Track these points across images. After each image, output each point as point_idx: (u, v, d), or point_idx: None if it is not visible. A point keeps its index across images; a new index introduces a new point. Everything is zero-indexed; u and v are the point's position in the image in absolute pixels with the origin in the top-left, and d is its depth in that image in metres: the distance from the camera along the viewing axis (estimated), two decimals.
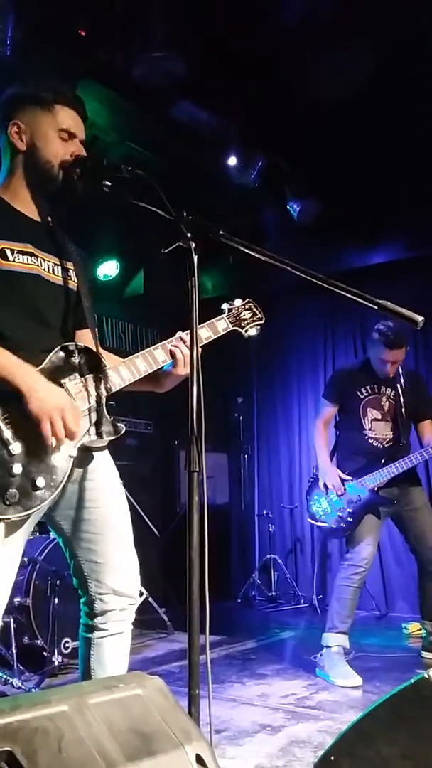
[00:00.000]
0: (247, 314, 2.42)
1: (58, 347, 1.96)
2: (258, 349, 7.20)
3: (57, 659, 3.67)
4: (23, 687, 3.37)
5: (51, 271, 2.03)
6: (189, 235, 1.79)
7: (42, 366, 1.90)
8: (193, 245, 1.78)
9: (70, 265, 2.11)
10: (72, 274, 2.11)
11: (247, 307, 2.43)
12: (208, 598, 1.66)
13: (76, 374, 1.97)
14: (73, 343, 2.01)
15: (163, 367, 2.17)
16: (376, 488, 3.97)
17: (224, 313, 2.38)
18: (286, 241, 6.27)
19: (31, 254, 1.97)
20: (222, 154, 5.45)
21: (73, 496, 2.00)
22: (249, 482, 7.50)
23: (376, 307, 1.82)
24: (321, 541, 6.71)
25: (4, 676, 3.44)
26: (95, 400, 1.99)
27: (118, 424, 2.05)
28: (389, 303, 1.82)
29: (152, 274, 6.76)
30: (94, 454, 2.03)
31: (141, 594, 4.84)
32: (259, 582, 6.89)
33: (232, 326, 2.37)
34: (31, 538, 3.86)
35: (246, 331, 2.42)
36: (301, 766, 2.59)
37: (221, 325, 2.34)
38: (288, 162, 5.68)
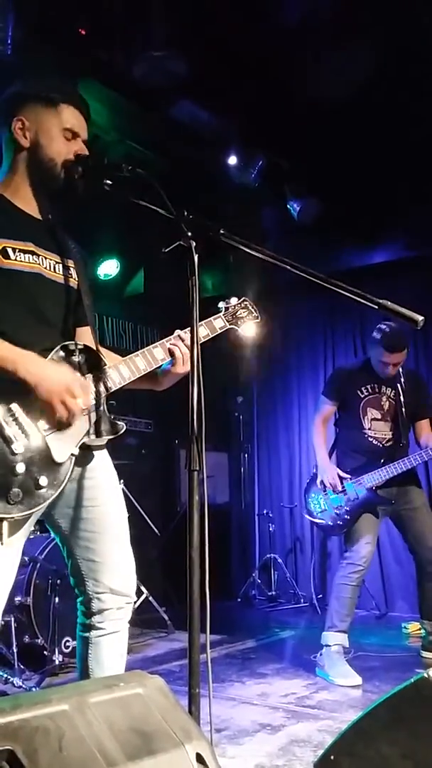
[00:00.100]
0: (243, 312, 2.43)
1: (59, 347, 1.96)
2: (258, 348, 7.21)
3: (57, 658, 3.68)
4: (24, 686, 3.38)
5: (52, 269, 2.03)
6: (189, 234, 1.80)
7: None
8: (194, 244, 1.78)
9: (70, 263, 2.11)
10: (73, 272, 2.11)
11: (243, 305, 2.44)
12: (208, 597, 1.67)
13: (77, 373, 1.98)
14: (74, 342, 2.01)
15: (162, 365, 2.18)
16: (374, 487, 3.98)
17: (221, 311, 2.39)
18: (286, 241, 6.27)
19: (32, 253, 1.97)
20: (222, 154, 5.46)
21: (71, 495, 2.00)
22: (249, 481, 7.51)
23: (376, 307, 1.82)
24: (321, 540, 6.72)
25: (5, 675, 3.44)
26: (96, 399, 1.99)
27: (119, 423, 2.05)
28: (389, 302, 1.82)
29: (152, 273, 6.76)
30: (94, 452, 2.03)
31: (141, 593, 4.90)
32: (259, 581, 6.90)
33: (229, 324, 2.39)
34: (32, 537, 3.86)
35: (242, 329, 2.43)
36: (301, 766, 2.59)
37: (218, 323, 2.35)
38: (288, 161, 5.68)
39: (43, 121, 2.00)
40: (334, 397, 4.27)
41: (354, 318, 6.77)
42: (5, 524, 1.78)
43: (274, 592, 6.83)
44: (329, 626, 3.93)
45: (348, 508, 4.01)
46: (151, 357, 2.14)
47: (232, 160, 5.49)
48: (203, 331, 2.28)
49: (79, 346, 2.01)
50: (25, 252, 1.95)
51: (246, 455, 7.53)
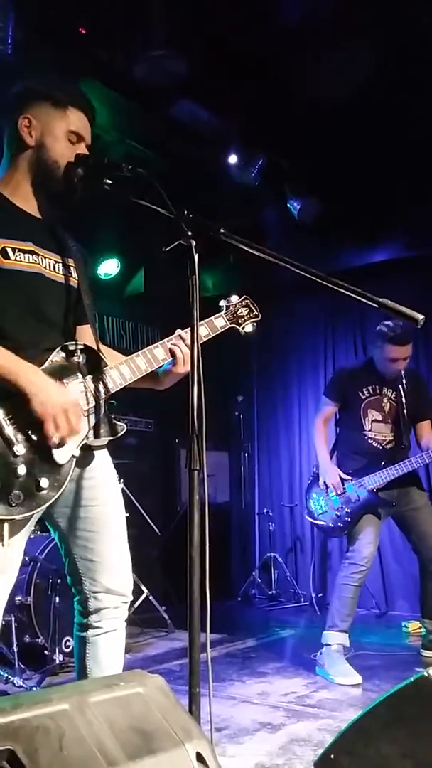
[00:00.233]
0: (244, 311, 2.43)
1: (60, 347, 1.96)
2: (258, 347, 7.21)
3: (58, 658, 3.68)
4: (24, 685, 3.38)
5: (52, 268, 2.03)
6: (189, 233, 1.79)
7: (44, 366, 1.90)
8: (194, 244, 1.78)
9: (71, 262, 2.10)
10: (73, 271, 2.10)
11: (244, 303, 2.44)
12: (208, 596, 1.67)
13: (78, 374, 1.98)
14: (74, 342, 2.01)
15: (163, 365, 2.18)
16: (375, 489, 3.97)
17: (222, 310, 2.39)
18: (286, 240, 6.27)
19: (32, 252, 1.97)
20: (222, 153, 5.45)
21: (70, 495, 2.00)
22: (249, 481, 7.51)
23: (376, 306, 1.83)
24: (321, 539, 6.72)
25: (6, 675, 3.44)
26: (96, 399, 1.99)
27: (119, 424, 2.05)
28: (389, 301, 1.82)
29: (153, 272, 6.76)
30: (95, 453, 2.03)
31: (141, 592, 4.90)
32: (259, 580, 6.90)
33: (230, 323, 2.38)
34: (32, 536, 3.85)
35: (243, 328, 2.42)
36: (302, 765, 2.60)
37: (219, 322, 2.35)
38: (288, 161, 5.67)
39: (50, 122, 1.99)
40: (336, 398, 4.26)
41: (354, 317, 6.77)
42: (6, 525, 1.78)
43: (274, 591, 6.84)
44: (330, 625, 3.93)
45: (349, 510, 4.01)
46: (152, 357, 2.14)
47: (233, 160, 5.49)
48: (204, 331, 2.28)
49: (80, 347, 2.00)
50: (24, 252, 1.95)
51: (246, 454, 7.53)
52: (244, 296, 2.45)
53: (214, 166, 5.50)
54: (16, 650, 3.59)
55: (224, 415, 7.48)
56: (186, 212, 1.83)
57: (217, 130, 5.14)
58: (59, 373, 1.93)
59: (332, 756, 1.30)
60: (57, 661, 3.67)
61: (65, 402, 1.84)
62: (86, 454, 2.00)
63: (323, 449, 4.20)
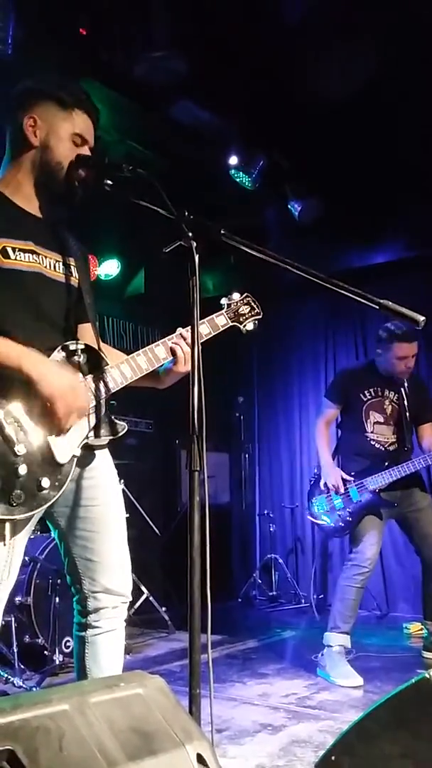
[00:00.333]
0: (245, 309, 2.42)
1: (60, 346, 1.96)
2: (259, 348, 7.21)
3: (58, 658, 3.68)
4: (24, 686, 3.38)
5: (53, 268, 2.03)
6: (190, 234, 1.79)
7: None
8: (194, 244, 1.78)
9: (71, 262, 2.10)
10: (73, 270, 2.10)
11: (245, 301, 2.43)
12: (209, 597, 1.66)
13: (79, 374, 1.98)
14: (75, 342, 2.01)
15: (164, 364, 2.17)
16: (377, 490, 3.97)
17: (223, 308, 2.38)
18: (287, 241, 6.27)
19: (32, 252, 1.97)
20: (223, 154, 5.45)
21: (70, 494, 2.00)
22: (250, 482, 7.51)
23: (377, 307, 1.82)
24: (322, 540, 6.71)
25: (5, 675, 3.44)
26: (97, 399, 1.99)
27: (120, 423, 2.05)
28: (390, 302, 1.82)
29: (153, 273, 6.76)
30: (95, 452, 2.03)
31: (142, 593, 4.90)
32: (260, 581, 6.89)
33: (231, 322, 2.37)
34: (32, 536, 3.83)
35: (244, 326, 2.41)
36: (302, 766, 2.59)
37: (220, 321, 2.34)
38: (289, 161, 5.67)
39: (55, 123, 1.99)
40: (337, 400, 4.25)
41: (355, 318, 6.77)
42: (7, 525, 1.78)
43: (274, 593, 6.83)
44: (332, 627, 3.92)
45: (351, 511, 4.00)
46: (153, 356, 2.14)
47: (233, 160, 5.49)
48: (205, 329, 2.27)
49: (80, 346, 2.00)
50: (25, 251, 1.94)
51: (247, 455, 7.53)
52: (245, 294, 2.44)
53: (214, 166, 5.50)
54: (16, 650, 3.59)
55: (225, 416, 7.48)
56: (186, 213, 1.83)
57: (217, 131, 5.14)
58: None
59: (333, 757, 1.29)
60: (57, 662, 3.67)
61: (71, 380, 1.86)
62: (87, 453, 2.00)
63: (325, 451, 4.19)
